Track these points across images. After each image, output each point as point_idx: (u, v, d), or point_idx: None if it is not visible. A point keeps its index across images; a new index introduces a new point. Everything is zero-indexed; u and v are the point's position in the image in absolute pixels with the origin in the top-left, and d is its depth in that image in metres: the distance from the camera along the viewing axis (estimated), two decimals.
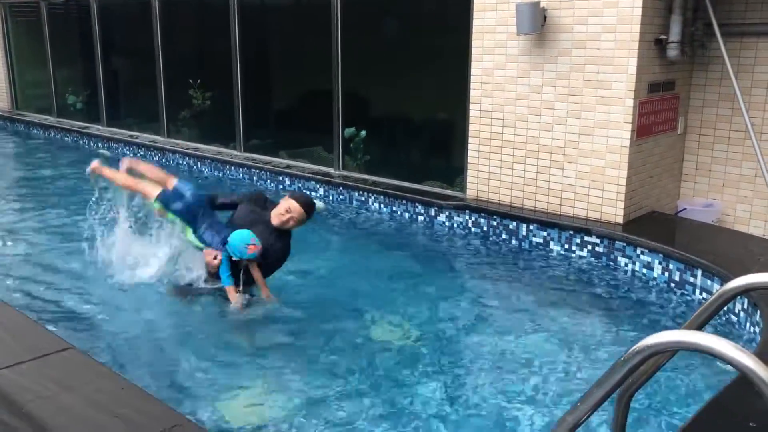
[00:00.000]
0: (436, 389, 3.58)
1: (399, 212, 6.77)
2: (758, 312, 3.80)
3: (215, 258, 4.33)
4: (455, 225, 6.29)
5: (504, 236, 5.93)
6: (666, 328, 4.14)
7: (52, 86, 12.42)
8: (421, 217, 6.58)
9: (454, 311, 4.70)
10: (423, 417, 3.32)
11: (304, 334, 4.22)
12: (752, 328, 3.97)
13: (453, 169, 6.73)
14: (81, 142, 11.40)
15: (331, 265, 5.57)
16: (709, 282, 4.57)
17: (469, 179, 6.33)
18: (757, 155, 5.34)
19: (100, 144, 10.93)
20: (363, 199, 7.11)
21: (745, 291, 1.92)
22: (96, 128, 11.35)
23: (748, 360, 1.35)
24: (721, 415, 2.60)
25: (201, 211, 4.41)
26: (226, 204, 4.72)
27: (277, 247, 4.47)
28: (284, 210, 4.41)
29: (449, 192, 6.62)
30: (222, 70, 8.85)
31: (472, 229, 6.16)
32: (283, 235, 4.51)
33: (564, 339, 4.18)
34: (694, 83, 5.92)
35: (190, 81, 9.47)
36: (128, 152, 10.41)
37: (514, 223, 5.86)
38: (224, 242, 4.30)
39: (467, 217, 6.20)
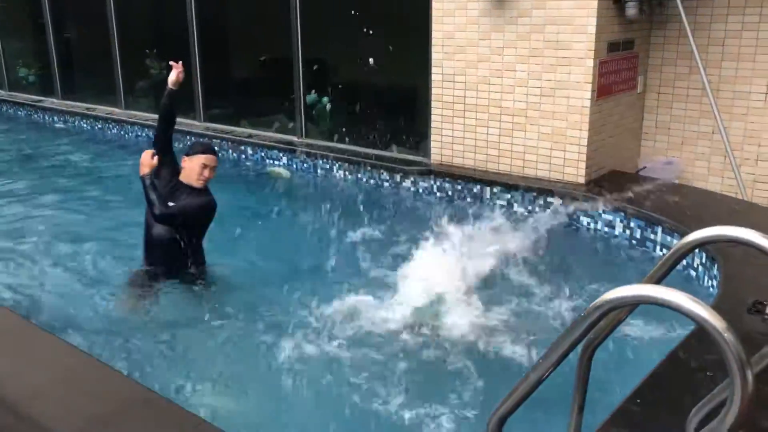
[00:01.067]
0: (402, 351, 3.62)
1: (364, 179, 6.75)
2: (716, 265, 3.90)
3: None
4: (420, 190, 6.30)
5: (469, 200, 5.97)
6: (627, 283, 4.25)
7: (1, 59, 12.01)
8: (386, 184, 6.57)
9: (420, 276, 4.72)
10: (391, 380, 3.36)
11: (273, 305, 4.20)
12: (710, 281, 4.07)
13: (417, 134, 6.72)
14: (35, 116, 11.10)
15: (297, 235, 5.55)
16: (669, 238, 4.67)
17: (432, 144, 6.33)
18: (714, 112, 5.42)
19: (54, 118, 10.65)
20: (327, 166, 7.07)
21: (701, 245, 1.96)
22: (51, 101, 11.05)
23: (703, 311, 1.38)
24: (680, 365, 2.68)
25: None
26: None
27: (196, 204, 4.25)
28: (200, 168, 4.21)
29: (414, 157, 6.62)
30: (179, 38, 8.64)
31: (437, 194, 6.18)
32: (201, 190, 4.31)
33: (529, 298, 4.25)
34: (653, 42, 5.96)
35: (147, 50, 9.24)
36: (85, 126, 10.17)
37: (478, 186, 5.90)
38: None
39: (432, 182, 6.22)
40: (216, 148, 8.02)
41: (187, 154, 4.27)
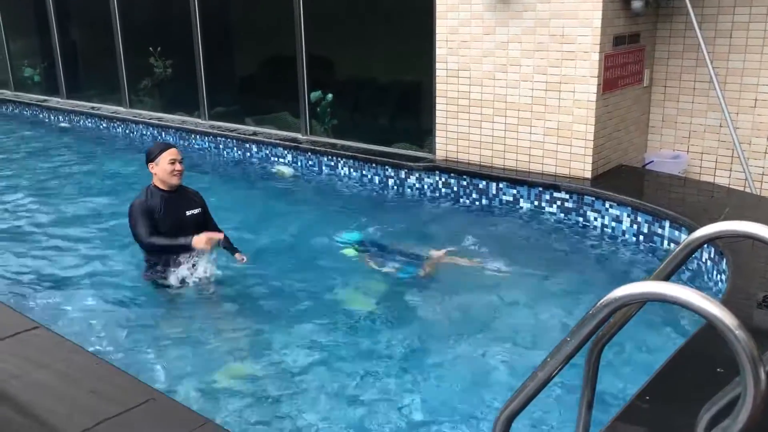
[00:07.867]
0: (412, 347, 3.60)
1: (369, 176, 6.73)
2: (724, 260, 3.86)
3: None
4: (426, 187, 6.28)
5: (474, 196, 5.94)
6: (635, 279, 4.21)
7: (6, 59, 12.05)
8: (391, 180, 6.55)
9: (423, 276, 4.71)
10: (400, 377, 3.34)
11: (277, 303, 4.20)
12: (719, 276, 4.04)
13: (421, 130, 6.69)
14: (41, 115, 11.12)
15: (302, 232, 5.53)
16: (676, 233, 4.63)
17: (438, 140, 6.30)
18: (721, 105, 5.38)
19: (59, 117, 10.68)
20: (332, 163, 7.05)
21: (711, 240, 1.93)
22: (56, 101, 11.09)
23: (713, 308, 1.36)
24: (689, 362, 2.65)
25: None
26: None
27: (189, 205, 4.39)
28: (170, 165, 4.24)
29: (419, 153, 6.59)
30: (182, 36, 8.63)
31: (443, 190, 6.15)
32: (184, 191, 4.41)
33: (537, 295, 4.22)
34: (659, 35, 5.91)
35: (150, 49, 9.24)
36: (90, 125, 10.19)
37: (484, 182, 5.86)
38: None
39: (437, 178, 6.19)
40: (221, 146, 8.07)
41: (151, 161, 4.27)
